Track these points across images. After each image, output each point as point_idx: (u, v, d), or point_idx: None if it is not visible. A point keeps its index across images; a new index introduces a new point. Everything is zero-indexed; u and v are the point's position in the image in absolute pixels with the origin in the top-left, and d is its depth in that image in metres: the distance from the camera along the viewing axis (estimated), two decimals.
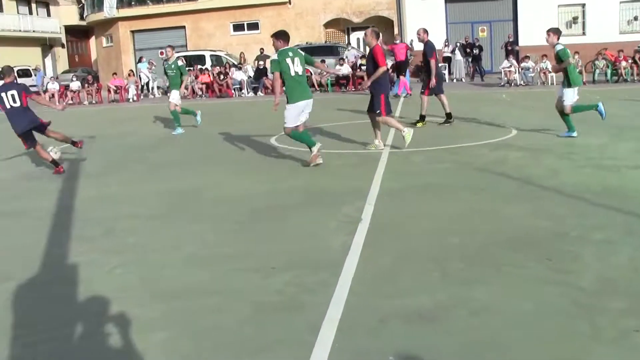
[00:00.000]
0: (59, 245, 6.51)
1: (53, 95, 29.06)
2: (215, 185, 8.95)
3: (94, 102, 29.55)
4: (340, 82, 27.59)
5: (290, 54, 9.77)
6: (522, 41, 32.36)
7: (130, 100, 28.94)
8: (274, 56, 9.83)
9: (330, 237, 6.14)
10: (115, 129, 16.94)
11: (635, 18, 33.23)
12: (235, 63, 30.51)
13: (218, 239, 6.37)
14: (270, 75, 27.32)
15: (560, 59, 11.13)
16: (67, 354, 4.10)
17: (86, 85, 30.88)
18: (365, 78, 13.13)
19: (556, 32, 11.36)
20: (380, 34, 11.10)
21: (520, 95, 21.52)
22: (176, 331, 4.28)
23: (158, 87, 30.57)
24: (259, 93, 27.71)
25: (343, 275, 5.07)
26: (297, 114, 9.82)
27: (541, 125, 12.97)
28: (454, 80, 29.06)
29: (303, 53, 10.15)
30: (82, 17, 46.66)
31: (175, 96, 15.20)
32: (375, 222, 6.56)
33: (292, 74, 9.68)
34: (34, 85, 36.32)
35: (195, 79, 28.21)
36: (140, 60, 33.09)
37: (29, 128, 10.35)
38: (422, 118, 13.98)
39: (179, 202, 8.07)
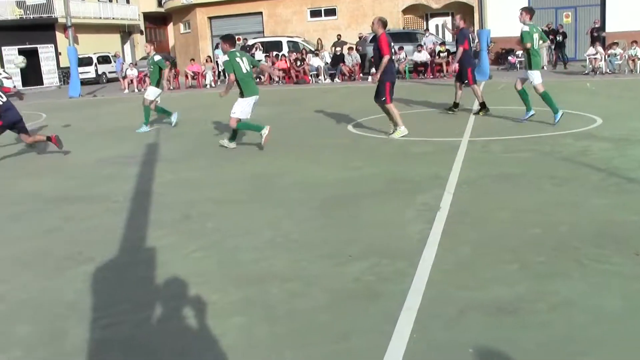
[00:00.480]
0: (137, 228, 6.63)
1: (132, 81, 29.67)
2: (292, 171, 8.97)
3: (171, 88, 30.00)
4: (418, 70, 27.25)
5: (238, 54, 10.82)
6: (610, 27, 31.26)
7: (208, 86, 29.29)
8: (225, 57, 10.96)
9: (408, 226, 6.07)
10: (192, 114, 17.17)
11: None
12: (312, 49, 30.54)
13: (295, 225, 6.38)
14: (347, 62, 27.60)
15: (522, 40, 11.60)
16: (146, 336, 4.17)
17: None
18: (374, 69, 13.49)
19: (529, 11, 11.69)
20: (387, 23, 11.22)
21: (605, 84, 20.81)
22: (253, 316, 4.30)
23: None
24: (336, 79, 27.66)
25: (421, 265, 5.00)
26: (248, 108, 10.72)
27: (628, 115, 12.53)
28: None
29: (248, 54, 11.32)
30: (160, 4, 47.53)
31: (151, 92, 14.65)
32: (454, 211, 6.45)
33: (244, 71, 10.63)
34: (114, 72, 37.36)
35: (272, 65, 28.36)
36: (217, 47, 33.42)
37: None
38: (482, 106, 13.80)
39: (256, 188, 8.13)
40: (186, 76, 30.52)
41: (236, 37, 32.07)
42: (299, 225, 6.37)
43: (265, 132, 10.52)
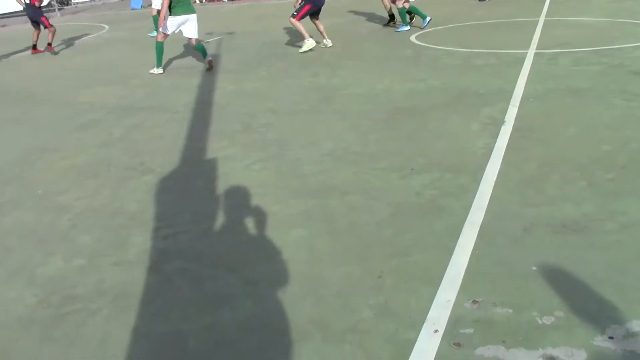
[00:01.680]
0: (198, 139, 6.66)
1: None
2: (355, 82, 8.83)
3: None
4: None
5: None
6: None
7: None
8: None
9: (471, 140, 5.93)
10: (254, 26, 17.01)
11: None
12: None
13: (357, 137, 6.30)
14: None
15: None
16: (207, 246, 4.21)
17: None
18: None
19: None
20: None
21: None
22: (314, 229, 4.29)
23: None
24: None
25: (485, 180, 4.90)
26: (175, 25, 10.48)
27: None
28: None
29: None
30: None
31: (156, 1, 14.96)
32: (520, 125, 6.27)
33: None
34: None
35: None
36: None
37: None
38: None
39: (318, 99, 8.04)
40: None
41: None
42: (361, 137, 6.29)
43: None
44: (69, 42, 16.66)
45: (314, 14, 11.79)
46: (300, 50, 11.51)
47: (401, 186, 4.93)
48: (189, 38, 10.71)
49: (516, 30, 12.70)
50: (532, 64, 9.15)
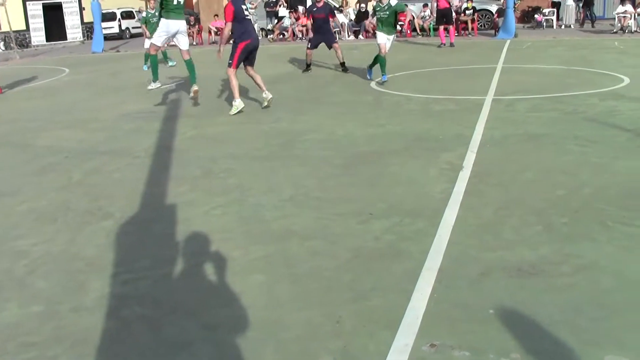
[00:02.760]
0: (158, 184, 6.64)
1: None
2: (316, 127, 8.91)
3: (194, 43, 29.66)
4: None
5: None
6: None
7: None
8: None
9: (430, 185, 6.01)
10: (215, 70, 17.08)
11: None
12: (337, 6, 30.14)
13: (317, 182, 6.34)
14: (371, 18, 27.24)
15: None
16: (166, 292, 4.18)
17: (188, 27, 30.75)
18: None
19: None
20: None
21: (635, 43, 20.38)
22: (274, 274, 4.29)
23: (262, 29, 30.49)
24: (360, 36, 27.36)
25: (443, 224, 4.96)
26: (165, 34, 11.09)
27: None
28: (562, 27, 27.84)
29: None
30: None
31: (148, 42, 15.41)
32: (478, 170, 6.37)
33: (175, 2, 10.87)
34: (137, 27, 37.10)
35: (296, 21, 28.06)
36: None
37: None
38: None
39: (279, 144, 8.08)
40: (209, 32, 30.25)
41: None
42: (321, 183, 6.34)
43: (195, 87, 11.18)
44: (27, 85, 16.54)
45: (248, 60, 10.72)
46: (230, 113, 10.41)
47: (360, 231, 4.97)
48: (181, 50, 11.08)
49: (475, 77, 12.98)
50: (490, 110, 9.34)
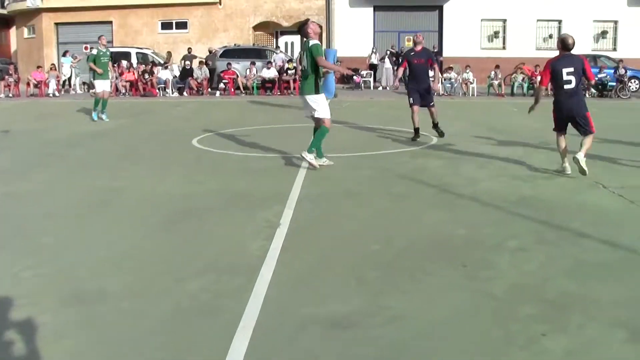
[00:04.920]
0: None
1: None
2: (134, 185, 8.74)
3: (10, 95, 28.22)
4: (266, 86, 27.49)
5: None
6: (446, 52, 33.17)
7: (50, 95, 27.91)
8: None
9: (248, 241, 6.06)
10: (32, 124, 16.42)
11: (550, 36, 34.58)
12: (162, 62, 30.01)
13: (134, 241, 6.20)
14: (196, 76, 27.32)
15: None
16: None
17: (6, 77, 29.16)
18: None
19: None
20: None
21: (442, 105, 21.80)
22: (87, 337, 4.11)
23: (84, 83, 29.63)
24: (184, 93, 27.33)
25: (260, 281, 4.99)
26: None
27: (461, 134, 13.21)
28: (379, 88, 29.36)
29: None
30: (2, 5, 44.90)
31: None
32: (294, 227, 6.51)
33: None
34: None
35: (120, 76, 27.56)
36: (64, 55, 32.04)
37: None
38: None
39: (96, 202, 7.83)
40: (28, 84, 28.82)
41: (84, 45, 31.14)
42: (138, 241, 6.20)
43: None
44: None
45: None
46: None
47: (177, 290, 4.89)
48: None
49: (295, 135, 13.31)
50: (308, 167, 9.59)
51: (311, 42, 9.48)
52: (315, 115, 9.67)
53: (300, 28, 10.16)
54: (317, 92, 9.57)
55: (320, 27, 10.28)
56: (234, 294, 4.79)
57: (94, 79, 17.22)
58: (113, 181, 9.06)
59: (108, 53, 16.77)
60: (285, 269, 5.28)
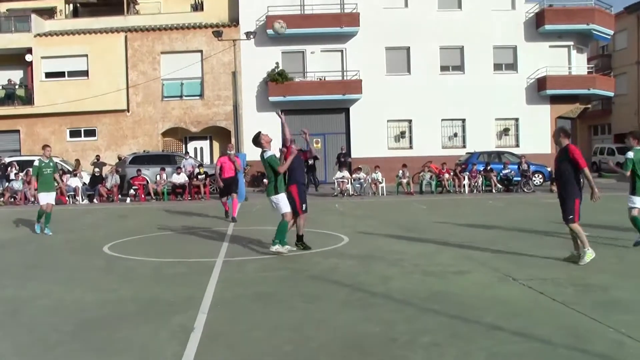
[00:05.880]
0: None
1: None
2: (44, 294, 8.47)
3: None
4: (176, 191, 27.41)
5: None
6: (355, 153, 34.11)
7: None
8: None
9: (161, 349, 5.95)
10: None
11: (455, 135, 36.18)
12: (70, 169, 29.60)
13: (45, 351, 6.00)
14: (107, 182, 27.00)
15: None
16: None
17: None
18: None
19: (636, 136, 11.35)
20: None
21: (352, 205, 22.31)
22: None
23: None
24: (94, 200, 26.93)
25: None
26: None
27: (372, 233, 13.48)
28: None
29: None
30: None
31: None
32: (208, 331, 6.45)
33: None
34: None
35: (27, 184, 26.94)
36: None
37: None
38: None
39: (3, 312, 7.55)
40: None
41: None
42: (49, 351, 6.00)
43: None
44: None
45: None
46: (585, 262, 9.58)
47: None
48: None
49: (206, 240, 13.30)
50: (221, 271, 9.58)
51: (267, 154, 11.07)
52: (278, 211, 11.03)
53: (254, 140, 11.35)
54: (276, 192, 11.01)
55: (270, 137, 11.26)
56: None
57: (37, 192, 16.74)
58: (21, 290, 8.77)
59: (51, 164, 16.15)
60: None
